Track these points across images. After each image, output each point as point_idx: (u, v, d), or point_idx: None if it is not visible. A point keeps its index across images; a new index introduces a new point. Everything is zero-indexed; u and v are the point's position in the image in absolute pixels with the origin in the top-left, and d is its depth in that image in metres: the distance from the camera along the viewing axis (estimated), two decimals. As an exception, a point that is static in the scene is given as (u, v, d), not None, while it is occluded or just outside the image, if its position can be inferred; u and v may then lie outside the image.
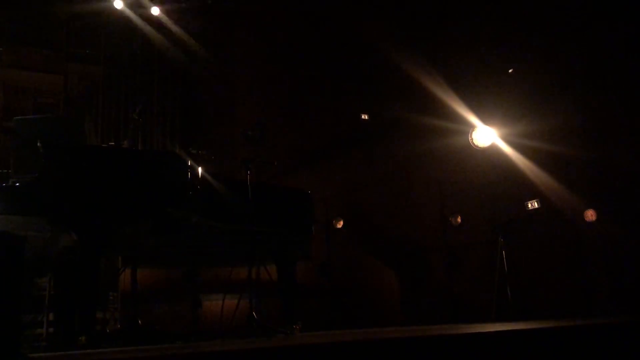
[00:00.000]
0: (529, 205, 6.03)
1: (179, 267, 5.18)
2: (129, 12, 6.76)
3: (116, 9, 6.69)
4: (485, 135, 6.44)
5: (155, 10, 6.87)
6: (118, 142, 5.71)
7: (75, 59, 6.77)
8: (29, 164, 4.33)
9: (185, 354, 1.67)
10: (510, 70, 6.56)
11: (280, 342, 2.93)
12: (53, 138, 4.29)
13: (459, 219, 6.82)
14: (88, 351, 2.91)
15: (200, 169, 3.83)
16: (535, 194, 6.11)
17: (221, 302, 4.59)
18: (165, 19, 6.97)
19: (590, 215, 5.74)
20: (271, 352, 1.85)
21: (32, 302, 4.28)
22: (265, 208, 4.21)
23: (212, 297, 5.31)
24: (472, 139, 6.47)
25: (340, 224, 7.13)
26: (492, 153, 6.52)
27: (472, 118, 6.55)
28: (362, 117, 7.70)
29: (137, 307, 3.57)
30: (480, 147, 6.47)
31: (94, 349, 3.00)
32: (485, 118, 6.51)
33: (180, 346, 2.94)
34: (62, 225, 3.34)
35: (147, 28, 6.88)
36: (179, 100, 7.04)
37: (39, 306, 4.29)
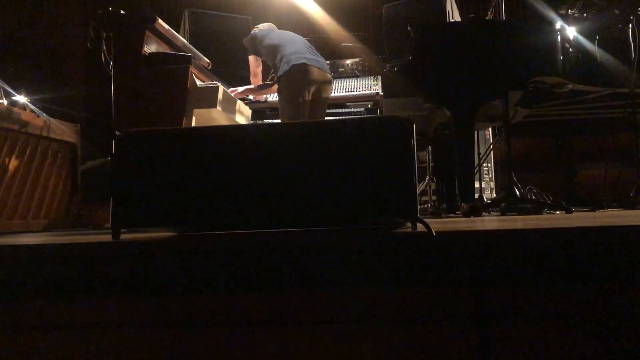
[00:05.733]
0: None
1: (552, 136, 5.01)
2: None
3: None
4: None
5: None
6: (479, 14, 5.63)
7: None
8: (401, 48, 4.70)
9: (569, 229, 1.62)
10: None
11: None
12: (419, 19, 4.51)
13: None
14: (471, 218, 3.14)
15: (571, 30, 3.51)
16: None
17: (599, 171, 4.28)
18: None
19: None
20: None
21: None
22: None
23: (589, 166, 5.00)
24: None
25: None
26: None
27: None
28: None
29: (512, 177, 3.62)
30: None
31: (475, 216, 3.22)
32: None
33: (560, 217, 2.90)
34: (436, 102, 3.58)
35: None
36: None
37: (422, 176, 4.79)
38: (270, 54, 4.28)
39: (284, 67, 4.10)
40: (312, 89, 4.12)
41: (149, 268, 1.52)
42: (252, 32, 4.48)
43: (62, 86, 5.36)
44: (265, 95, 4.82)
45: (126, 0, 6.83)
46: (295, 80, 4.08)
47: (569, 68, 3.44)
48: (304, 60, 4.10)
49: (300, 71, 4.08)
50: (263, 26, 4.52)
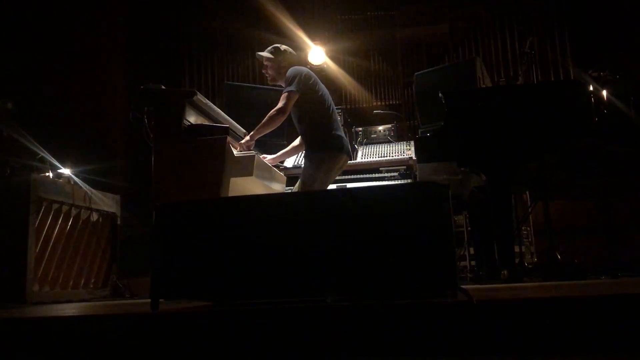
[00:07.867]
0: None
1: (591, 198, 4.89)
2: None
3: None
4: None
5: None
6: (509, 78, 5.69)
7: (457, 5, 6.97)
8: (432, 114, 4.75)
9: (618, 295, 1.57)
10: None
11: None
12: (450, 86, 4.58)
13: None
14: (512, 285, 3.04)
15: (604, 92, 3.50)
16: None
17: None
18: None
19: None
20: None
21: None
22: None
23: (633, 229, 4.84)
24: None
25: None
26: None
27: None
28: None
29: (552, 241, 3.53)
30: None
31: (516, 282, 3.12)
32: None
33: (607, 282, 2.79)
34: (470, 167, 3.55)
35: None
36: (567, 24, 6.49)
37: (459, 241, 4.70)
38: (317, 111, 3.87)
39: (334, 144, 3.84)
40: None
41: (187, 340, 1.52)
42: (295, 66, 3.97)
43: (104, 158, 5.56)
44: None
45: (168, 73, 7.17)
46: (334, 165, 3.88)
47: (605, 129, 3.41)
48: (348, 150, 3.93)
49: (341, 160, 3.91)
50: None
